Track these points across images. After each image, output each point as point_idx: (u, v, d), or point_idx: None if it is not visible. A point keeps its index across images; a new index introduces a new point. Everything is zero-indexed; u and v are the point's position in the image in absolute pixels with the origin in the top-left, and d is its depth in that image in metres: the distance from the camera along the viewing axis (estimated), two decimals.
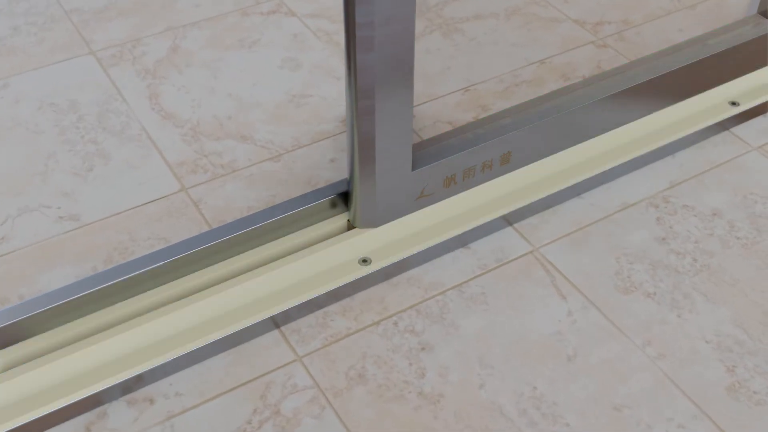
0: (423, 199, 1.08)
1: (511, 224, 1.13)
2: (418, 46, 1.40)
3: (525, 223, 1.14)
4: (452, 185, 1.10)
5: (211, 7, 1.47)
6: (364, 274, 1.04)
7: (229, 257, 1.04)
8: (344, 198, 1.08)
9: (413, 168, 1.05)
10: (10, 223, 1.13)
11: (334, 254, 1.05)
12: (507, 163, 1.12)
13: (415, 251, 1.07)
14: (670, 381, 0.97)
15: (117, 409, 0.94)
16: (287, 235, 1.07)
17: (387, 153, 1.01)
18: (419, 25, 1.43)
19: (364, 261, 1.05)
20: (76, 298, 0.96)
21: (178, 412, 0.94)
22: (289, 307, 1.01)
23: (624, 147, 1.20)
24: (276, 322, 1.01)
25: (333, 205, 1.08)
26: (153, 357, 0.96)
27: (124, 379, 0.94)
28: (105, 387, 0.94)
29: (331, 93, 1.32)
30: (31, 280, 1.06)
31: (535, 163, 1.15)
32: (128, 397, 0.95)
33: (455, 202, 1.11)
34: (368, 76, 0.94)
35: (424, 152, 1.08)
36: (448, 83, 1.34)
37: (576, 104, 1.14)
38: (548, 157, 1.16)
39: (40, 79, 1.34)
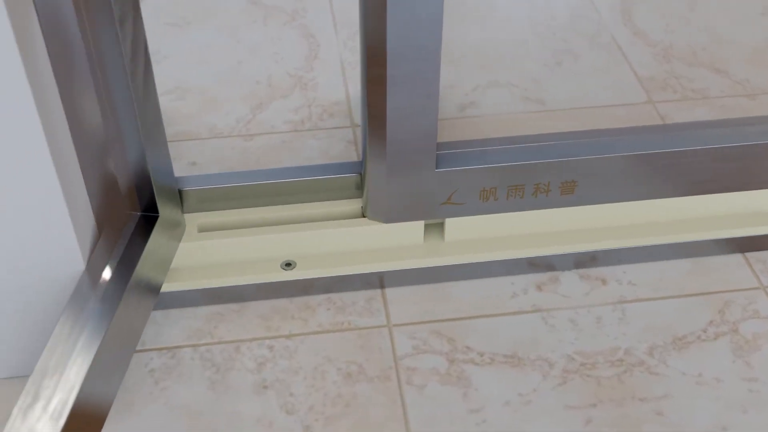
0: (450, 206, 0.89)
1: None
2: None
3: None
4: (491, 200, 0.89)
5: None
6: None
7: None
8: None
9: (438, 166, 0.86)
10: (480, 91, 1.16)
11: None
12: (570, 193, 0.89)
13: None
14: None
15: (569, 278, 0.93)
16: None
17: (401, 140, 0.82)
18: None
19: None
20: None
21: (631, 299, 0.91)
22: (758, 234, 0.94)
23: None
24: (741, 246, 0.95)
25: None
26: (609, 239, 0.93)
27: (578, 251, 0.93)
28: (558, 253, 0.93)
29: None
30: None
31: None
32: (580, 271, 0.94)
33: None
34: (377, 36, 0.75)
35: (456, 152, 0.87)
36: None
37: None
38: None
39: None
